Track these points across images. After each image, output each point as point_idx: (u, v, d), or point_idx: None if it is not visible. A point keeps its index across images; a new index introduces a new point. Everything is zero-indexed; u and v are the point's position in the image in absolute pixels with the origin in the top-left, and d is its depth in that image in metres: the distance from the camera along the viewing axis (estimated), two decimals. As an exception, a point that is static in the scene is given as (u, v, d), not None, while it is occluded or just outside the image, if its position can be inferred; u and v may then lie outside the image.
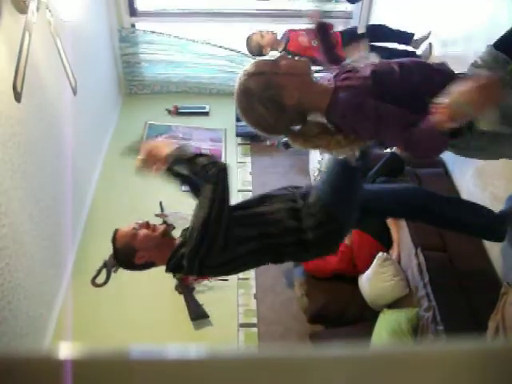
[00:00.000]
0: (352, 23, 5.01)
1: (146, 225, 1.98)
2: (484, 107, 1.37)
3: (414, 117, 1.57)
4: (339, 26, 4.49)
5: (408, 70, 1.72)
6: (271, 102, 1.70)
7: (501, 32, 1.75)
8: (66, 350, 0.37)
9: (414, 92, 1.67)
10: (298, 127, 1.82)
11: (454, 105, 1.39)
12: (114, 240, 1.96)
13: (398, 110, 1.62)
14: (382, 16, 4.89)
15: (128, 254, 1.94)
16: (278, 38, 4.22)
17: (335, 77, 1.80)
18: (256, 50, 4.19)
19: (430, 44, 3.73)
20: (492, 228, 2.40)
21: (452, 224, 2.37)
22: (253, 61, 1.79)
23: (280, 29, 4.34)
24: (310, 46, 4.18)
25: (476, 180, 2.93)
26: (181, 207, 3.95)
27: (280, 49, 4.16)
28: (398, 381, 0.39)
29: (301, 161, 4.68)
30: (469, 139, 1.66)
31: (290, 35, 4.19)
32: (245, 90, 1.72)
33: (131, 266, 1.98)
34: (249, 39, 4.20)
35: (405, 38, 3.84)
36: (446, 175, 3.28)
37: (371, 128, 1.66)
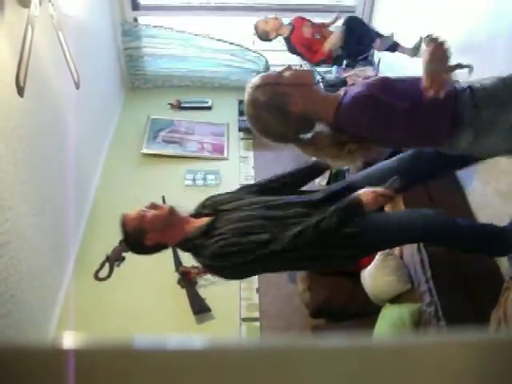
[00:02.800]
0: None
1: (153, 206, 2.02)
2: (445, 60, 1.60)
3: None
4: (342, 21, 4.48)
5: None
6: (277, 110, 1.80)
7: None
8: (69, 340, 0.37)
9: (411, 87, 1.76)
10: (307, 136, 1.90)
11: (432, 73, 1.59)
12: (124, 224, 1.98)
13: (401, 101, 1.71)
14: (384, 10, 4.87)
15: (138, 236, 1.96)
16: (284, 24, 4.36)
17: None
18: (262, 35, 4.37)
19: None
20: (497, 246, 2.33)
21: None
22: (259, 75, 1.91)
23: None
24: (312, 39, 4.21)
25: (479, 175, 2.93)
26: (183, 202, 3.95)
27: (284, 35, 4.30)
28: (399, 372, 0.39)
29: (303, 155, 4.67)
30: (477, 113, 1.71)
31: (294, 24, 4.30)
32: (252, 101, 1.84)
33: (142, 248, 2.00)
34: (255, 26, 4.37)
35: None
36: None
37: (377, 120, 1.73)
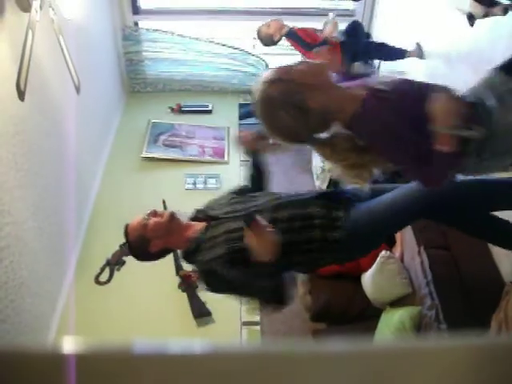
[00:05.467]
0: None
1: (154, 213, 2.02)
2: (460, 113, 1.49)
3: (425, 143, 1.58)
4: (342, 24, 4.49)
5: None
6: (294, 108, 1.66)
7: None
8: (69, 345, 0.37)
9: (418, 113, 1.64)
10: (324, 136, 1.77)
11: (445, 129, 1.49)
12: (127, 234, 1.99)
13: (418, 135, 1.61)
14: (385, 14, 4.88)
15: (142, 244, 1.97)
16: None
17: (367, 86, 1.75)
18: (267, 40, 4.30)
19: (418, 44, 3.78)
20: None
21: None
22: (270, 69, 1.77)
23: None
24: (314, 33, 4.21)
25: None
26: (184, 206, 3.95)
27: (284, 34, 4.25)
28: (400, 375, 0.39)
29: (304, 159, 4.68)
30: (479, 162, 1.67)
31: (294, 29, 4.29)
32: (266, 98, 1.69)
33: (148, 256, 2.02)
34: (258, 32, 4.32)
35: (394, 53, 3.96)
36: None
37: (394, 147, 1.65)
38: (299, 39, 4.29)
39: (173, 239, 2.00)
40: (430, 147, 1.54)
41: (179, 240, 2.00)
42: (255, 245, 1.72)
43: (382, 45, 4.07)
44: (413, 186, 1.91)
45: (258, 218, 1.75)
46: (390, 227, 2.12)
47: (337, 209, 1.95)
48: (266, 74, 1.72)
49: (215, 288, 1.97)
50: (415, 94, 1.67)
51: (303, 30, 4.24)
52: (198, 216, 2.09)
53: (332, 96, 1.69)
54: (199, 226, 2.02)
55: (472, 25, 2.55)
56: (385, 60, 4.25)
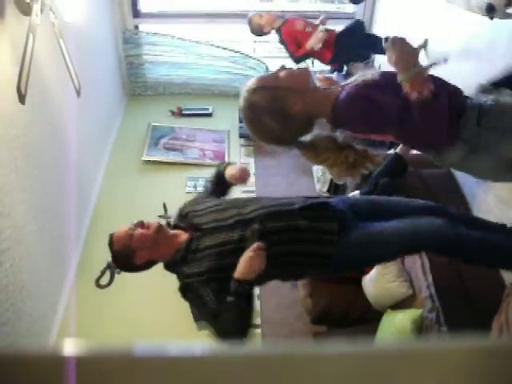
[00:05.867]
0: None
1: (141, 224, 1.98)
2: (413, 58, 1.57)
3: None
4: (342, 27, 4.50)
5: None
6: (277, 114, 1.73)
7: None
8: (69, 347, 0.37)
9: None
10: (307, 140, 1.82)
11: (410, 72, 1.54)
12: (111, 244, 1.96)
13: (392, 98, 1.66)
14: (384, 17, 4.89)
15: (127, 255, 1.94)
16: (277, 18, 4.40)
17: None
18: (256, 30, 4.40)
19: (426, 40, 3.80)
20: None
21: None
22: (253, 78, 1.83)
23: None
24: (303, 32, 4.23)
25: (480, 181, 2.93)
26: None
27: (276, 27, 4.32)
28: (401, 378, 0.39)
29: (304, 162, 4.66)
30: (478, 132, 1.65)
31: (288, 19, 4.34)
32: (250, 105, 1.76)
33: (132, 267, 1.99)
34: (250, 20, 4.39)
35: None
36: (450, 176, 3.27)
37: (371, 115, 1.68)
38: (284, 44, 4.35)
39: (159, 251, 1.97)
40: (408, 105, 1.59)
41: (166, 252, 1.97)
42: (246, 261, 1.78)
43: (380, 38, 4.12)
44: (417, 222, 1.97)
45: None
46: (384, 258, 2.17)
47: (329, 221, 1.96)
48: (248, 83, 1.80)
49: (191, 302, 1.95)
50: (387, 76, 1.74)
51: (292, 30, 4.26)
52: (180, 224, 2.07)
53: (313, 99, 1.75)
54: (184, 236, 2.00)
55: (492, 18, 2.32)
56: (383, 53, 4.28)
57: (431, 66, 1.59)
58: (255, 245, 1.80)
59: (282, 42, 4.38)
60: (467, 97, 1.74)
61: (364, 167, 1.81)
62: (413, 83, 1.56)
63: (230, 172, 2.21)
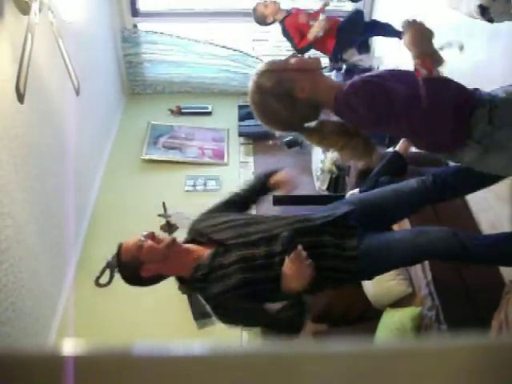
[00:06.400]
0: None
1: (152, 236, 1.88)
2: (428, 40, 1.64)
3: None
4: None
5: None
6: (284, 96, 1.74)
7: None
8: (69, 347, 0.37)
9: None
10: (313, 124, 1.83)
11: (419, 55, 1.60)
12: (119, 254, 1.88)
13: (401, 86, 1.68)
14: (383, 15, 4.88)
15: (134, 267, 1.85)
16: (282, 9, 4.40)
17: None
18: (260, 19, 4.39)
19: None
20: None
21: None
22: (263, 61, 1.85)
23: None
24: (306, 24, 4.24)
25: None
26: (184, 207, 3.96)
27: (278, 19, 4.33)
28: (401, 376, 0.39)
29: (303, 160, 4.67)
30: (491, 131, 1.64)
31: (292, 10, 4.34)
32: (258, 87, 1.77)
33: (138, 280, 1.90)
34: (254, 9, 4.39)
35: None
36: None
37: (374, 106, 1.68)
38: (288, 36, 4.34)
39: (169, 266, 1.87)
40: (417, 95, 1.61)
41: (177, 267, 1.88)
42: (291, 272, 1.69)
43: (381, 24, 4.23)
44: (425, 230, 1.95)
45: (298, 245, 1.72)
46: (400, 264, 2.18)
47: (350, 237, 1.90)
48: (259, 66, 1.82)
49: (229, 320, 1.86)
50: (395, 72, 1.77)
51: (295, 22, 4.27)
52: (198, 239, 1.96)
53: (320, 86, 1.76)
54: (202, 251, 1.89)
55: (491, 21, 2.13)
56: (383, 35, 4.32)
57: (446, 46, 1.62)
58: (293, 256, 1.70)
59: (284, 33, 4.37)
60: (476, 92, 1.72)
61: (370, 157, 1.83)
62: (424, 61, 1.60)
63: (279, 177, 2.11)
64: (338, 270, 1.86)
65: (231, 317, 1.84)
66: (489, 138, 1.63)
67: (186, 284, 1.92)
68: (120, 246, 1.89)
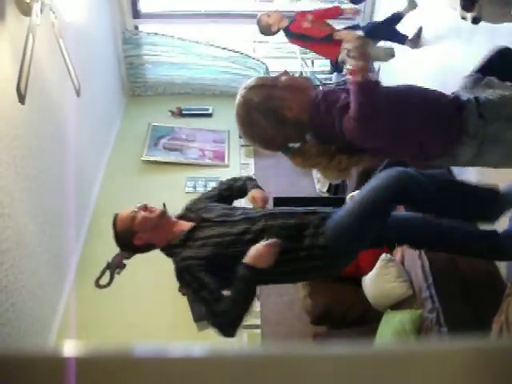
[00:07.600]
0: (355, 23, 5.03)
1: (144, 207, 2.09)
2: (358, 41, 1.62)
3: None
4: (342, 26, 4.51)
5: None
6: (271, 114, 1.71)
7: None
8: (69, 348, 0.37)
9: None
10: (296, 145, 1.82)
11: (353, 58, 1.58)
12: (115, 224, 2.06)
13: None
14: (383, 16, 4.88)
15: (128, 236, 2.02)
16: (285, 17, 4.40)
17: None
18: (265, 29, 4.37)
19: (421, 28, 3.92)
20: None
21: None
22: (252, 78, 1.84)
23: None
24: (311, 28, 4.23)
25: (476, 175, 2.92)
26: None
27: (282, 26, 4.30)
28: (401, 379, 0.39)
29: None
30: (483, 125, 1.65)
31: (296, 17, 4.33)
32: (245, 102, 1.75)
33: (131, 247, 2.06)
34: (258, 20, 4.37)
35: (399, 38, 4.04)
36: (449, 174, 3.26)
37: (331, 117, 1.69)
38: (299, 36, 4.32)
39: (158, 235, 2.04)
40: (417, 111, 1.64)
41: (165, 236, 2.04)
42: (259, 249, 1.81)
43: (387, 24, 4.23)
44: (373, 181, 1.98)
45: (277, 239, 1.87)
46: (367, 220, 2.01)
47: (314, 215, 2.04)
48: (248, 81, 1.81)
49: (186, 286, 2.01)
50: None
51: (299, 28, 4.26)
52: (188, 215, 2.13)
53: (307, 107, 1.73)
54: (187, 224, 2.07)
55: (476, 22, 2.21)
56: (386, 39, 4.32)
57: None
58: (272, 240, 1.85)
59: (294, 36, 4.33)
60: (457, 94, 1.75)
61: (356, 167, 1.84)
62: (353, 70, 1.59)
63: (254, 195, 2.21)
64: (313, 247, 1.94)
65: (190, 284, 1.93)
66: (482, 132, 1.65)
67: (165, 250, 2.07)
68: (115, 217, 2.09)
